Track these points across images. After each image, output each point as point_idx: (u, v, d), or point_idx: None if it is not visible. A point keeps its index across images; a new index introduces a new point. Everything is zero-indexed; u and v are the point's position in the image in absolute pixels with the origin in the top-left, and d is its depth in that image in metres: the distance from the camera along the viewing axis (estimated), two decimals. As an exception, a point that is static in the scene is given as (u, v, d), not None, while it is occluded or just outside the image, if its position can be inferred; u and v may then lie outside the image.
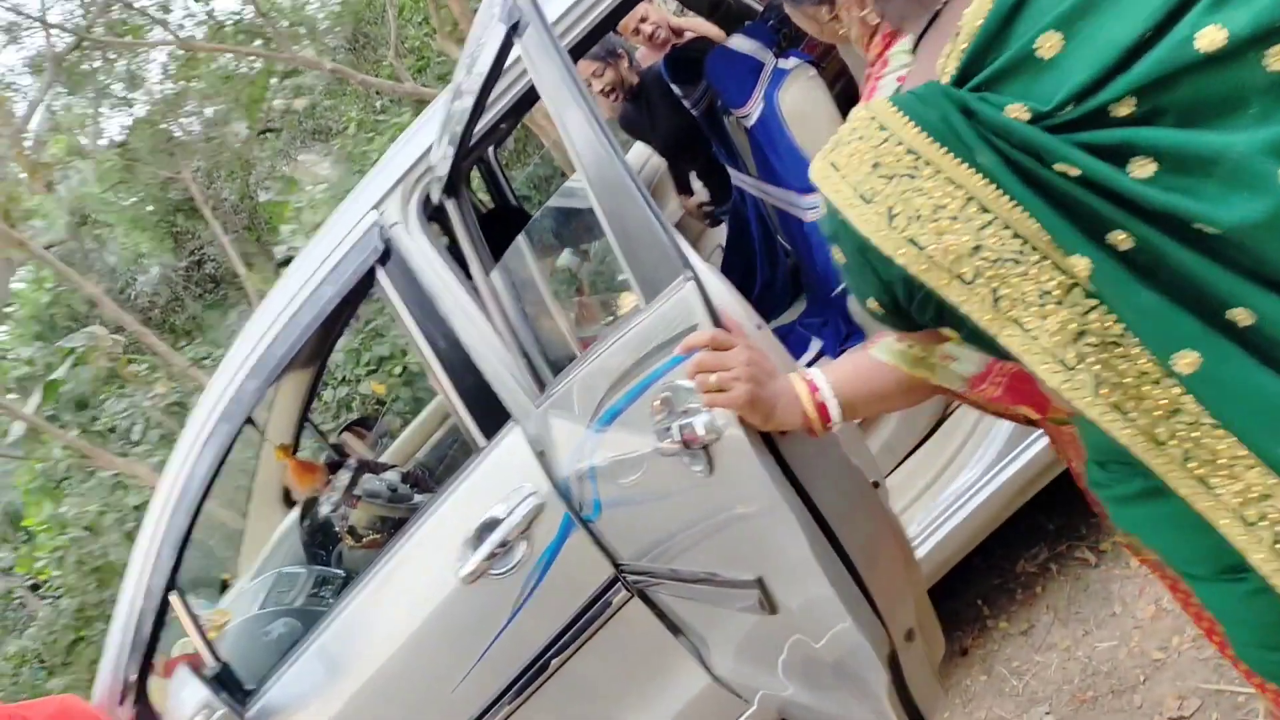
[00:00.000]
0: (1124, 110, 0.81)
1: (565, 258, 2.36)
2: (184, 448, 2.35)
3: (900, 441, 2.57)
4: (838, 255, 0.98)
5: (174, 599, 2.28)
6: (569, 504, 2.05)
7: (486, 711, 2.17)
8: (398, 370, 5.78)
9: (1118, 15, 0.81)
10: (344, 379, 5.86)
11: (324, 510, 3.12)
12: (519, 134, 6.94)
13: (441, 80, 7.15)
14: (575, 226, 2.19)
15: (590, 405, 1.78)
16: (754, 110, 2.55)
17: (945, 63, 0.90)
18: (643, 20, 3.39)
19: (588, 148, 1.53)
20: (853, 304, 2.44)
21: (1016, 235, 0.86)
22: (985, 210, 0.86)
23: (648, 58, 3.60)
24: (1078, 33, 0.82)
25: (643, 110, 3.55)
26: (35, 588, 7.67)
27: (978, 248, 0.87)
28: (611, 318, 2.11)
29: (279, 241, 10.55)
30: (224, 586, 3.45)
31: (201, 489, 2.30)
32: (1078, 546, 2.59)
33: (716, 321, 1.38)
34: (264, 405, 3.37)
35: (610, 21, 2.07)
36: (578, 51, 2.10)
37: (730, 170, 3.27)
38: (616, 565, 2.06)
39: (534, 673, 2.16)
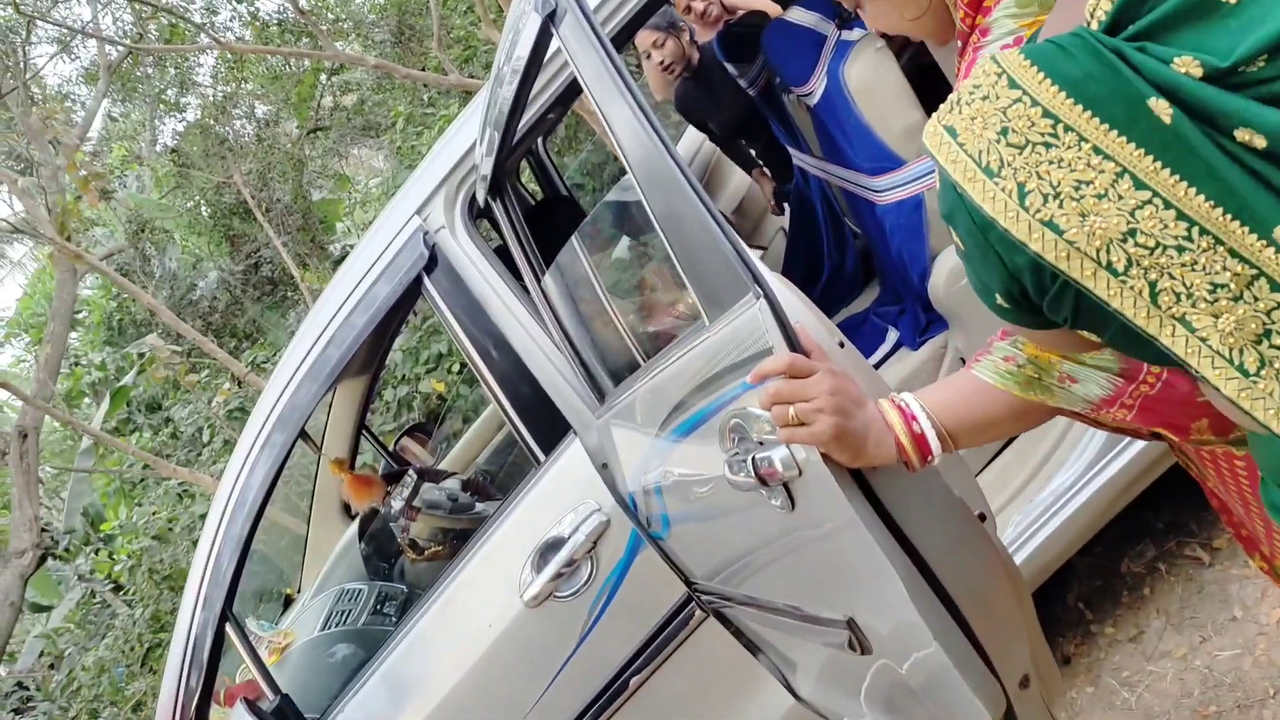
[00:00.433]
0: None
1: (623, 252, 2.22)
2: (240, 456, 2.28)
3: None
4: (955, 238, 0.82)
5: (230, 629, 2.20)
6: (636, 520, 1.93)
7: (558, 741, 2.07)
8: (456, 368, 5.70)
9: None
10: (403, 378, 5.79)
11: (384, 523, 3.04)
12: (569, 120, 6.80)
13: (488, 69, 7.03)
14: (633, 223, 2.04)
15: (658, 417, 1.65)
16: (817, 87, 2.37)
17: (1095, 3, 0.73)
18: None
19: (637, 147, 1.37)
20: (935, 288, 2.26)
21: (1181, 216, 0.70)
22: (1141, 186, 0.70)
23: (702, 36, 3.42)
24: None
25: (703, 89, 3.37)
26: (118, 588, 7.80)
27: (1131, 232, 0.71)
28: (680, 314, 1.97)
29: (334, 240, 10.57)
30: (288, 602, 3.39)
31: (259, 498, 2.24)
32: (1188, 544, 2.39)
33: (792, 344, 1.20)
34: (320, 417, 3.30)
35: (656, 4, 1.91)
36: (620, 40, 1.95)
37: (792, 151, 3.09)
38: (689, 584, 1.94)
39: (608, 698, 2.06)
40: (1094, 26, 0.73)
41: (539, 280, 2.05)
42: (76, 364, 11.44)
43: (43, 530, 7.09)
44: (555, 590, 1.97)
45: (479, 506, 3.08)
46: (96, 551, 8.39)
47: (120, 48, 8.53)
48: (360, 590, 2.90)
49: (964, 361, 2.38)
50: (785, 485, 1.30)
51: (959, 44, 1.09)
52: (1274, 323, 0.71)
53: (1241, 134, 0.67)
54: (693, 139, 4.02)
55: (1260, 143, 0.67)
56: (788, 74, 2.52)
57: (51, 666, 8.54)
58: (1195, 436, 1.07)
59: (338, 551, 3.19)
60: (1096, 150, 0.71)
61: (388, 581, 2.97)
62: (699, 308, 1.40)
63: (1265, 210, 0.68)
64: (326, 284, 2.34)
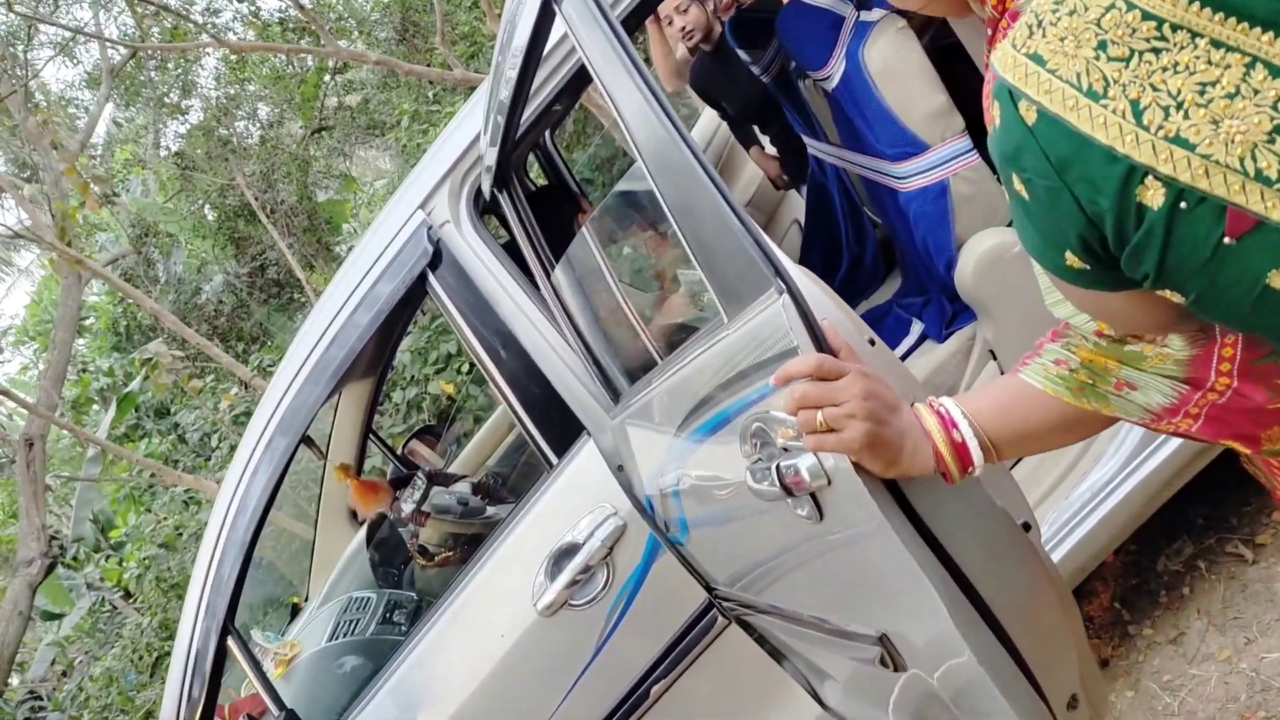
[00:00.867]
0: None
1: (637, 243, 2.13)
2: (241, 461, 2.21)
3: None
4: (1016, 186, 0.72)
5: (232, 643, 2.12)
6: (654, 525, 1.85)
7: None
8: (466, 368, 5.62)
9: None
10: (412, 379, 5.72)
11: (392, 529, 2.96)
12: (577, 114, 6.71)
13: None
14: (646, 212, 1.96)
15: (677, 417, 1.56)
16: (835, 71, 2.28)
17: None
18: None
19: (648, 132, 1.28)
20: (962, 278, 2.16)
21: None
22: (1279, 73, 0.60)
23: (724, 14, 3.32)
24: None
25: (720, 68, 3.26)
26: (128, 595, 7.75)
27: (1278, 129, 0.60)
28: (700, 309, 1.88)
29: (340, 240, 10.50)
30: (295, 611, 3.31)
31: (261, 505, 2.17)
32: (1229, 540, 2.29)
33: (819, 342, 1.10)
34: (324, 421, 3.23)
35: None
36: (630, 23, 1.87)
37: (807, 140, 2.99)
38: (710, 590, 1.86)
39: (627, 709, 1.99)
40: None
41: (549, 275, 1.97)
42: (84, 370, 11.42)
43: (51, 538, 7.04)
44: (570, 598, 1.90)
45: (490, 510, 3.00)
46: (106, 558, 8.35)
47: (122, 51, 8.48)
48: (369, 598, 2.82)
49: (993, 354, 2.29)
50: (813, 495, 1.21)
51: (989, 31, 0.99)
52: None
53: None
54: (703, 129, 3.92)
55: None
56: (804, 58, 2.43)
57: (64, 674, 8.51)
58: (1268, 446, 0.97)
59: (345, 558, 3.12)
60: (1215, 44, 0.61)
61: (397, 589, 2.89)
62: (716, 305, 1.31)
63: None
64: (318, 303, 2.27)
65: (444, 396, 5.58)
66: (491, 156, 1.83)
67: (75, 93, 10.35)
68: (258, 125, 10.07)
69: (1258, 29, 0.60)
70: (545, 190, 3.15)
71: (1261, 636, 2.10)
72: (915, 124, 2.16)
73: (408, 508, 2.93)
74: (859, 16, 2.24)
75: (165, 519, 5.84)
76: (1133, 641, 2.30)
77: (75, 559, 8.47)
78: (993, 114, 0.71)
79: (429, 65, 7.37)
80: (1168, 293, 0.70)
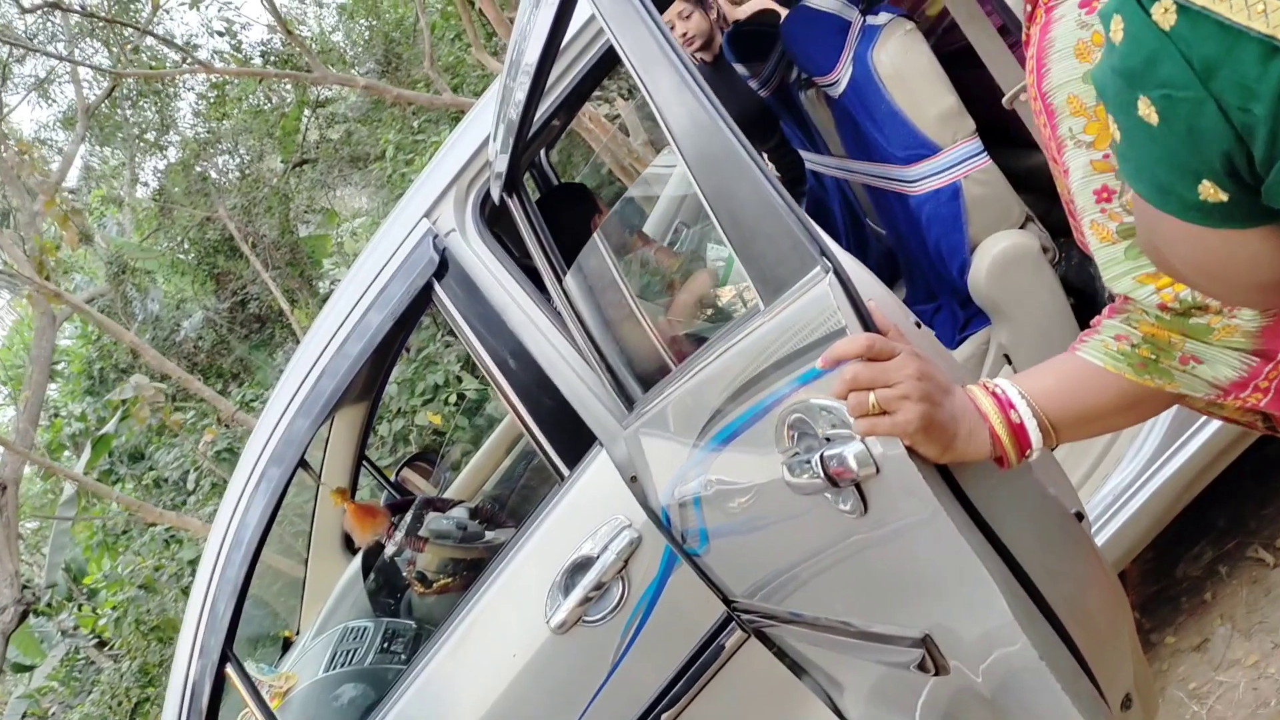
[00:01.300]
0: None
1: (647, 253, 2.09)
2: (233, 496, 2.15)
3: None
4: (1143, 109, 0.62)
5: (231, 670, 2.04)
6: (670, 536, 1.79)
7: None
8: (452, 399, 5.54)
9: None
10: (399, 411, 5.64)
11: (389, 556, 2.88)
12: (563, 144, 6.71)
13: (480, 95, 6.96)
14: (658, 217, 1.92)
15: (696, 423, 1.52)
16: (842, 75, 2.26)
17: None
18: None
19: (684, 116, 1.25)
20: (976, 280, 2.13)
21: None
22: None
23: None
24: None
25: (720, 78, 3.24)
26: (102, 644, 7.56)
27: None
28: (711, 310, 1.84)
29: (323, 275, 10.42)
30: (286, 644, 3.21)
31: (256, 539, 2.11)
32: (1249, 544, 2.26)
33: (866, 323, 1.06)
34: (317, 446, 3.15)
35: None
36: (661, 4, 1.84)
37: (805, 154, 2.97)
38: (728, 603, 1.80)
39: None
40: None
41: (560, 282, 1.92)
42: (56, 415, 11.22)
43: (24, 587, 6.86)
44: (584, 614, 1.85)
45: (490, 534, 2.93)
46: (80, 607, 8.15)
47: (98, 90, 8.43)
48: (366, 628, 2.73)
49: (1008, 358, 2.26)
50: (857, 486, 1.16)
51: (1028, 8, 0.95)
52: None
53: None
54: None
55: None
56: (810, 64, 2.41)
57: (38, 726, 8.26)
58: None
59: (340, 588, 3.03)
60: None
61: (394, 618, 2.81)
62: (754, 290, 1.27)
63: None
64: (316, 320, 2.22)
65: (431, 429, 5.51)
66: (502, 162, 1.79)
67: (49, 133, 10.27)
68: (237, 160, 10.01)
69: None
70: (558, 191, 3.10)
71: (1289, 641, 2.06)
72: (926, 125, 2.15)
73: (404, 533, 2.85)
74: (865, 21, 2.23)
75: (144, 560, 5.69)
76: (1156, 650, 2.25)
77: (49, 606, 8.27)
78: (1100, 38, 0.66)
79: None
80: None
